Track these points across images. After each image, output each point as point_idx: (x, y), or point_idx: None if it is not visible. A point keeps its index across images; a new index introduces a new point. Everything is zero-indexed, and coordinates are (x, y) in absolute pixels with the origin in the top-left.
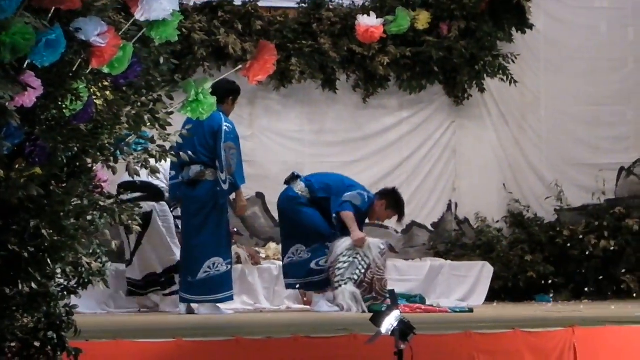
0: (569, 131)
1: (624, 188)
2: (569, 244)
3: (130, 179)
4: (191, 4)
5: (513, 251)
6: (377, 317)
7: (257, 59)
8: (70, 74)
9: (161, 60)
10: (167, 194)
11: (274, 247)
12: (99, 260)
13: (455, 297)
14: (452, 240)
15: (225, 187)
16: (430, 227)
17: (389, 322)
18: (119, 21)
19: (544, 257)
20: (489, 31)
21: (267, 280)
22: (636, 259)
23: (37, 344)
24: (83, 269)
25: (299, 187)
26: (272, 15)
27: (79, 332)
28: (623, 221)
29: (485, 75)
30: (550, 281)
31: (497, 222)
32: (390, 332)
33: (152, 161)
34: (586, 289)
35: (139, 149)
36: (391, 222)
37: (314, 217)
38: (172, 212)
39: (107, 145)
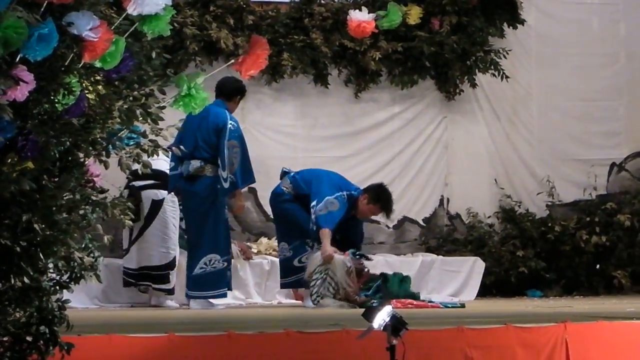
0: (560, 127)
1: (615, 183)
2: (560, 240)
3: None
4: None
5: (504, 246)
6: (369, 313)
7: (249, 53)
8: (63, 68)
9: (153, 55)
10: None
11: (265, 242)
12: (91, 254)
13: (447, 293)
14: (444, 236)
15: (226, 185)
16: (421, 223)
17: (381, 318)
18: (111, 15)
19: (535, 252)
20: (481, 26)
21: (259, 275)
22: (627, 254)
23: (29, 338)
24: (75, 264)
25: (285, 184)
26: (263, 10)
27: (71, 327)
28: (614, 217)
29: (476, 71)
30: (541, 276)
31: (489, 217)
32: (382, 328)
33: (144, 156)
34: (578, 285)
35: (131, 143)
36: (382, 218)
37: (296, 213)
38: None
39: (99, 139)
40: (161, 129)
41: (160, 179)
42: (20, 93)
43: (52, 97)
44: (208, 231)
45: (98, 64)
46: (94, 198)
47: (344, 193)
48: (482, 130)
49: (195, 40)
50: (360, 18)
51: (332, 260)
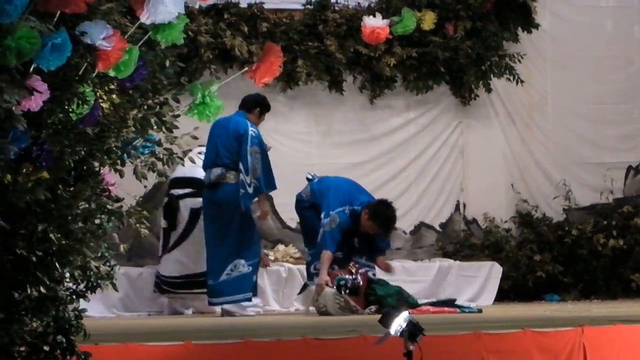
0: (576, 130)
1: (632, 187)
2: (577, 244)
3: (182, 175)
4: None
5: (522, 251)
6: (386, 318)
7: (264, 61)
8: (76, 78)
9: (167, 63)
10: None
11: (282, 249)
12: (108, 263)
13: (465, 298)
14: (461, 241)
15: (250, 190)
16: (438, 228)
17: (398, 323)
18: (125, 24)
19: (552, 256)
20: (495, 31)
21: (276, 282)
22: None
23: (46, 348)
24: (91, 273)
25: (305, 191)
26: (277, 17)
27: (88, 336)
28: (631, 220)
29: (491, 75)
30: (559, 281)
31: (506, 222)
32: (399, 333)
33: (159, 164)
34: (595, 288)
35: (146, 152)
36: (401, 223)
37: (314, 221)
38: None
39: (114, 148)
40: (176, 137)
41: (199, 187)
42: (35, 103)
43: (66, 107)
44: (234, 238)
45: (112, 73)
46: (109, 207)
47: (346, 208)
48: (498, 134)
49: (210, 48)
50: (375, 24)
51: (323, 292)
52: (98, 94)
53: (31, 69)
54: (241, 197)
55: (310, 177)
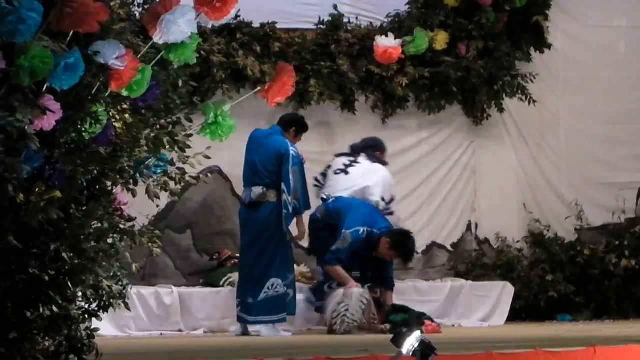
0: (588, 150)
1: None
2: (589, 264)
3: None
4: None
5: (534, 271)
6: (397, 338)
7: (276, 80)
8: (89, 97)
9: (180, 83)
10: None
11: (295, 269)
12: (120, 282)
13: (477, 318)
14: (473, 261)
15: (290, 209)
16: (449, 248)
17: (410, 343)
18: (138, 44)
19: (564, 276)
20: (507, 51)
21: None
22: None
23: None
24: (104, 292)
25: (320, 210)
26: (290, 36)
27: (101, 355)
28: None
29: (504, 95)
30: (571, 301)
31: (518, 242)
32: (411, 353)
33: (171, 183)
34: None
35: (159, 171)
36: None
37: (327, 241)
38: None
39: (126, 168)
40: (188, 157)
41: None
42: (47, 122)
43: (79, 126)
44: (271, 257)
45: (125, 93)
46: (122, 226)
47: (365, 229)
48: (510, 154)
49: (222, 67)
50: (387, 44)
51: (350, 290)
52: (111, 113)
53: (44, 89)
54: (284, 217)
55: (325, 197)
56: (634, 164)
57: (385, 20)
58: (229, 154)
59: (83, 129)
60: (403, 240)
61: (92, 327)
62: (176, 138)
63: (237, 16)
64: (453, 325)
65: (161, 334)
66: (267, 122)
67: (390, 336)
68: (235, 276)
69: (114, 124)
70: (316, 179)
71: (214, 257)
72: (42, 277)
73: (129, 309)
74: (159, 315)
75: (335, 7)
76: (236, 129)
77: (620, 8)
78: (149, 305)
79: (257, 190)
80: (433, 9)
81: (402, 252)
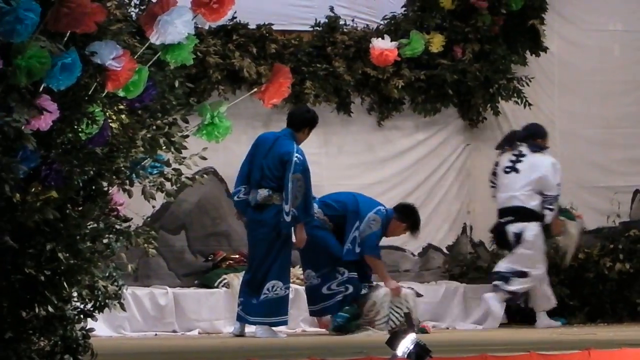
0: (583, 154)
1: (639, 210)
2: (584, 267)
3: (508, 205)
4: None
5: None
6: (393, 340)
7: (272, 82)
8: (86, 98)
9: (176, 84)
10: (546, 215)
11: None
12: (115, 283)
13: (471, 320)
14: (467, 263)
15: (288, 218)
16: (445, 250)
17: (405, 345)
18: (134, 45)
19: (559, 279)
20: (503, 54)
21: None
22: None
23: None
24: (99, 292)
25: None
26: (286, 38)
27: (96, 355)
28: (638, 244)
29: (499, 98)
30: (565, 304)
31: None
32: (406, 355)
33: (167, 184)
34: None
35: (155, 172)
36: (409, 245)
37: (326, 240)
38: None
39: (122, 168)
40: (184, 158)
41: (520, 213)
42: (44, 122)
43: (75, 127)
44: (273, 259)
45: (121, 93)
46: (117, 227)
47: (383, 208)
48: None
49: (218, 69)
50: (383, 46)
51: (403, 292)
52: (107, 114)
53: (41, 89)
54: (282, 224)
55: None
56: (629, 167)
57: (382, 22)
58: (224, 155)
59: (80, 129)
60: (411, 209)
61: (88, 327)
62: (172, 139)
63: (233, 17)
64: (447, 328)
65: (156, 334)
66: (263, 124)
67: (386, 338)
68: (230, 277)
69: (110, 124)
70: (491, 181)
71: (209, 258)
72: (37, 277)
73: (124, 309)
74: (154, 315)
75: (331, 9)
76: (232, 130)
77: (616, 12)
78: (143, 306)
79: (263, 192)
80: (429, 11)
81: (413, 220)
